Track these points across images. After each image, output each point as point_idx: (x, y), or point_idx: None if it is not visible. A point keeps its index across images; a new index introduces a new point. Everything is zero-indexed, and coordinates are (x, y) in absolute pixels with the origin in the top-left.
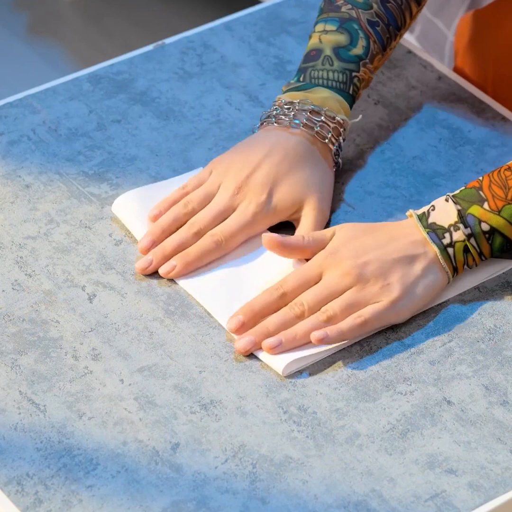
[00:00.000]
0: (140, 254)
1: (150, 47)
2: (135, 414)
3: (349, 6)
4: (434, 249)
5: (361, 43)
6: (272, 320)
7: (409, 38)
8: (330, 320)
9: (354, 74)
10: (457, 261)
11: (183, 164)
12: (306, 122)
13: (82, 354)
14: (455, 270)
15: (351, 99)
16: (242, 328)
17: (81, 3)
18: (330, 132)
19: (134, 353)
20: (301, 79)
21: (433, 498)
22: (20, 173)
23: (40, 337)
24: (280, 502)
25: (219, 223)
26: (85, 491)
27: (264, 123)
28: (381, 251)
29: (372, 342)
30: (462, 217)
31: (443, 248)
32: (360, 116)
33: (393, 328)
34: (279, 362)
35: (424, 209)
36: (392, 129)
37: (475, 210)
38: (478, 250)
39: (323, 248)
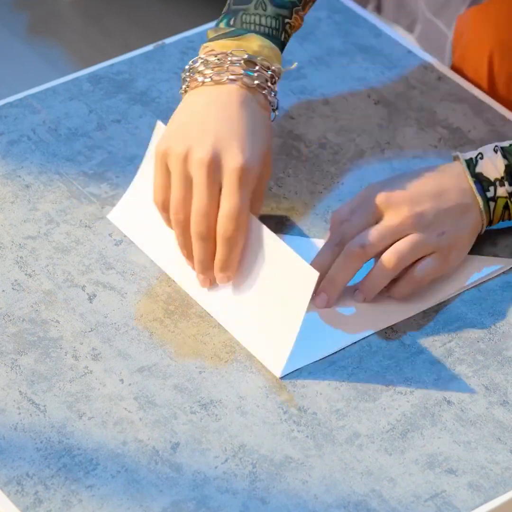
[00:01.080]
0: (140, 254)
1: (150, 47)
2: (135, 414)
3: None
4: (477, 200)
5: None
6: (335, 271)
7: (409, 38)
8: (400, 264)
9: (286, 20)
10: (495, 216)
11: None
12: (244, 76)
13: (82, 354)
14: (490, 223)
15: (282, 46)
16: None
17: (81, 3)
18: (268, 81)
19: (134, 353)
20: (231, 23)
21: (433, 498)
22: (20, 173)
23: (40, 337)
24: (280, 502)
25: (216, 211)
26: (85, 491)
27: (195, 80)
28: (435, 202)
29: (372, 342)
30: (509, 173)
31: (486, 201)
32: (295, 63)
33: (393, 327)
34: (276, 365)
35: (472, 154)
36: (392, 129)
37: None
38: None
39: None
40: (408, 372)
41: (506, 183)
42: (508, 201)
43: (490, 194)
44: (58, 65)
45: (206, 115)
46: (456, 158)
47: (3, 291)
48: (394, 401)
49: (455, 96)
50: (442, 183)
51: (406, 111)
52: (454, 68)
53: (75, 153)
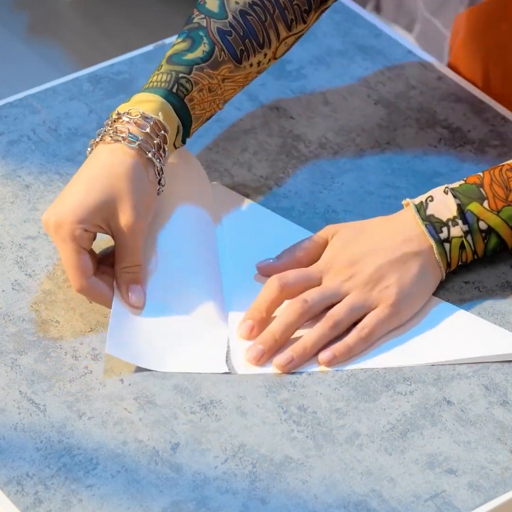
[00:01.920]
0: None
1: (150, 47)
2: (135, 414)
3: (202, 15)
4: (430, 243)
5: (203, 48)
6: (276, 324)
7: (408, 38)
8: (336, 326)
9: (181, 75)
10: (452, 257)
11: None
12: (118, 132)
13: (82, 354)
14: (448, 266)
15: (175, 97)
16: (253, 332)
17: (81, 3)
18: (154, 145)
19: None
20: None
21: (433, 498)
22: (20, 173)
23: (40, 337)
24: (280, 502)
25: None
26: (85, 490)
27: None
28: (376, 255)
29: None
30: (461, 212)
31: (440, 243)
32: (160, 114)
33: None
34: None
35: (422, 198)
36: (392, 129)
37: (474, 207)
38: (473, 248)
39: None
40: (408, 372)
41: (459, 221)
42: (464, 240)
43: (443, 235)
44: (58, 65)
45: (73, 181)
46: (406, 205)
47: (3, 291)
48: (394, 401)
49: (455, 96)
50: (386, 235)
51: (406, 111)
52: (451, 68)
53: (75, 153)
